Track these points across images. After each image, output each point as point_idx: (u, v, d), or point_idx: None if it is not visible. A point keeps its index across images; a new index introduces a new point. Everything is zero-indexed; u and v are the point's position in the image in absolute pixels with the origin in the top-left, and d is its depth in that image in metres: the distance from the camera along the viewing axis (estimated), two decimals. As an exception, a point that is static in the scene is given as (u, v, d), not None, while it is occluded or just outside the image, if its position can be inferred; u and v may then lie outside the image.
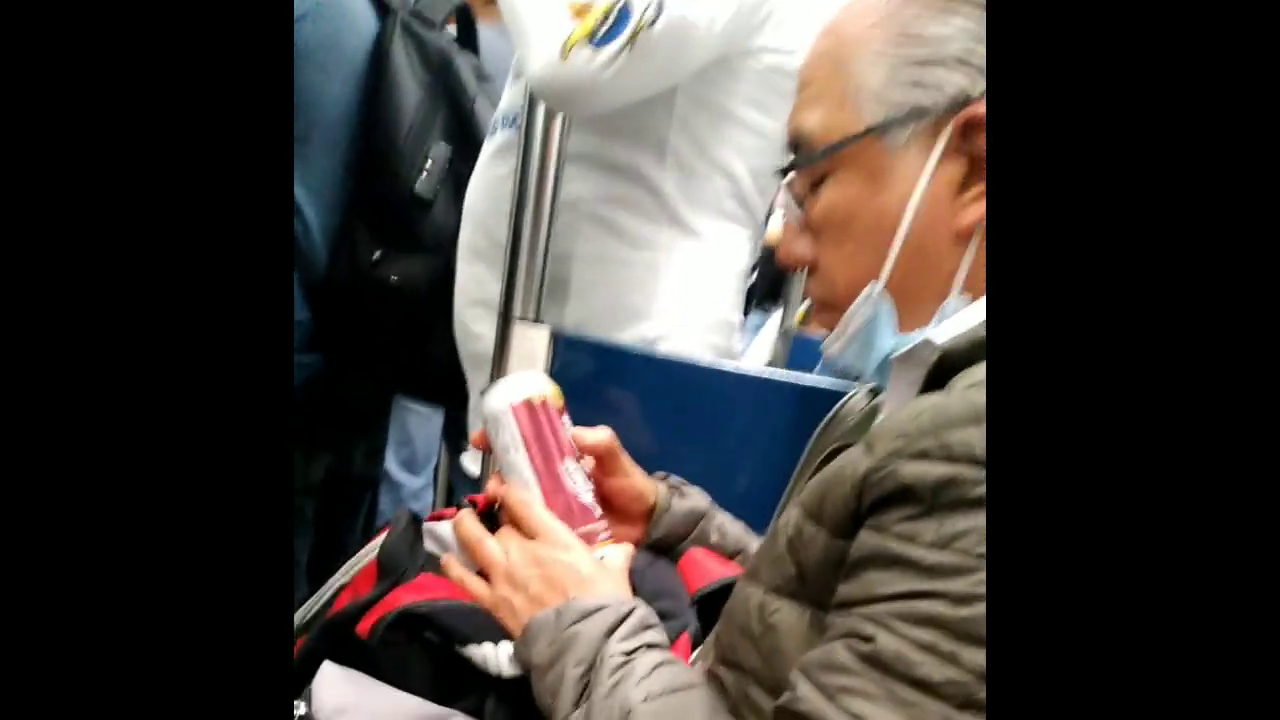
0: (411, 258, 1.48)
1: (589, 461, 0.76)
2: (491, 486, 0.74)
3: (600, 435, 0.77)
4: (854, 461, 0.53)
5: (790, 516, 0.58)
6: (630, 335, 1.09)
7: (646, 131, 1.05)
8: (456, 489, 2.32)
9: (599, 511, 0.74)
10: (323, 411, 1.59)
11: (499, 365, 1.06)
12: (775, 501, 0.73)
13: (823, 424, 0.67)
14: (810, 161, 0.63)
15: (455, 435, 2.25)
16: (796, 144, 0.65)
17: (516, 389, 0.74)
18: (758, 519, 0.83)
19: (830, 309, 0.65)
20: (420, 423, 2.19)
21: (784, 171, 0.67)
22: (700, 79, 1.03)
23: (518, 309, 1.04)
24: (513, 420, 0.73)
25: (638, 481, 0.80)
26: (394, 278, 1.47)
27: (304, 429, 1.58)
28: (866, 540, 0.51)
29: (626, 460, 0.79)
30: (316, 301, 1.50)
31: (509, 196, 1.06)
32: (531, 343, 1.04)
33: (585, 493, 0.74)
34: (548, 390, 0.75)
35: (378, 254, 1.47)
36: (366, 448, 1.80)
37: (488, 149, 1.22)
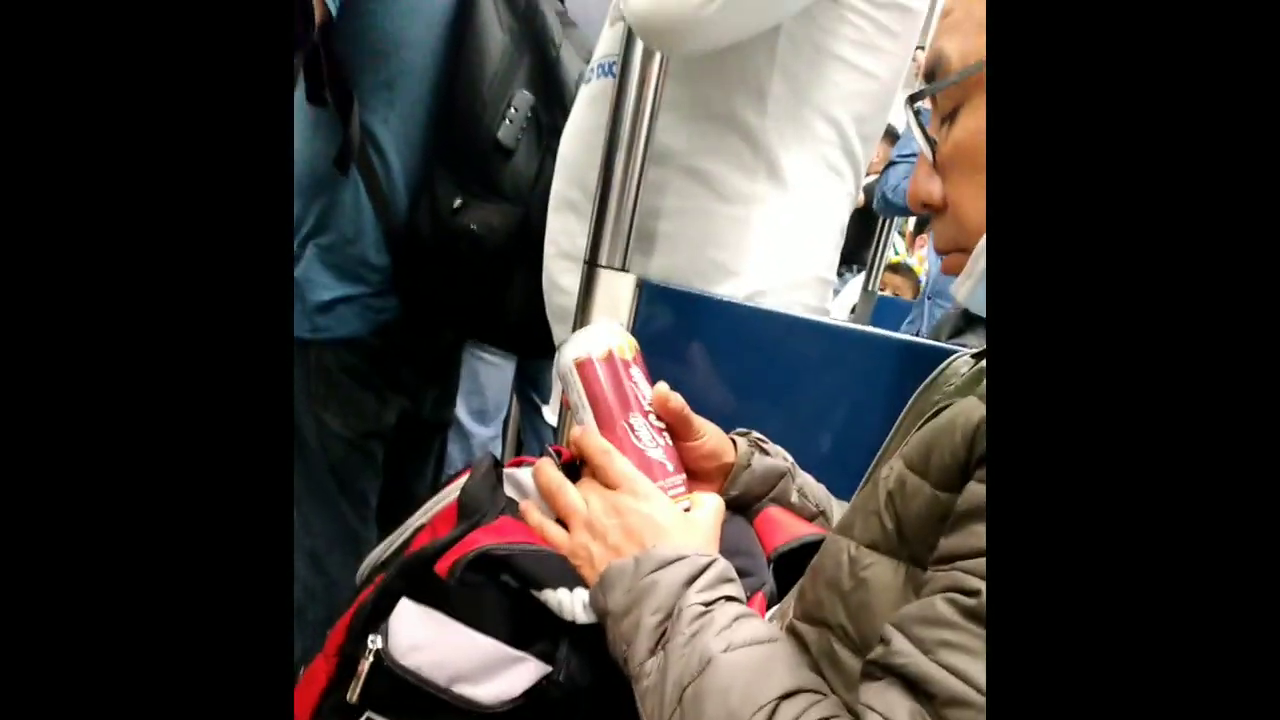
0: (491, 206, 1.48)
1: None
2: (572, 436, 0.73)
3: (678, 400, 0.75)
4: (967, 411, 0.51)
5: (891, 469, 0.57)
6: (720, 292, 1.07)
7: (746, 77, 1.02)
8: (526, 441, 2.34)
9: (672, 466, 0.73)
10: (397, 356, 1.60)
11: (583, 313, 1.05)
12: (862, 464, 0.71)
13: (923, 385, 0.65)
14: (943, 86, 0.61)
15: (527, 387, 2.27)
16: (932, 73, 0.63)
17: (582, 345, 0.73)
18: (841, 483, 0.80)
19: (960, 251, 0.63)
20: (492, 373, 2.21)
21: (913, 99, 0.65)
22: (803, 19, 1.00)
23: (604, 256, 1.03)
24: (578, 378, 0.73)
25: (711, 442, 0.78)
26: (473, 226, 1.47)
27: (379, 372, 1.59)
28: (974, 492, 0.49)
29: (698, 422, 0.77)
30: (396, 246, 1.51)
31: (602, 146, 1.04)
32: (616, 291, 1.03)
33: (655, 449, 0.73)
34: (617, 343, 0.74)
35: (458, 201, 1.47)
36: (438, 393, 1.80)
37: (583, 97, 1.20)
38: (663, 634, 0.59)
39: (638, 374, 0.74)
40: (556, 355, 0.74)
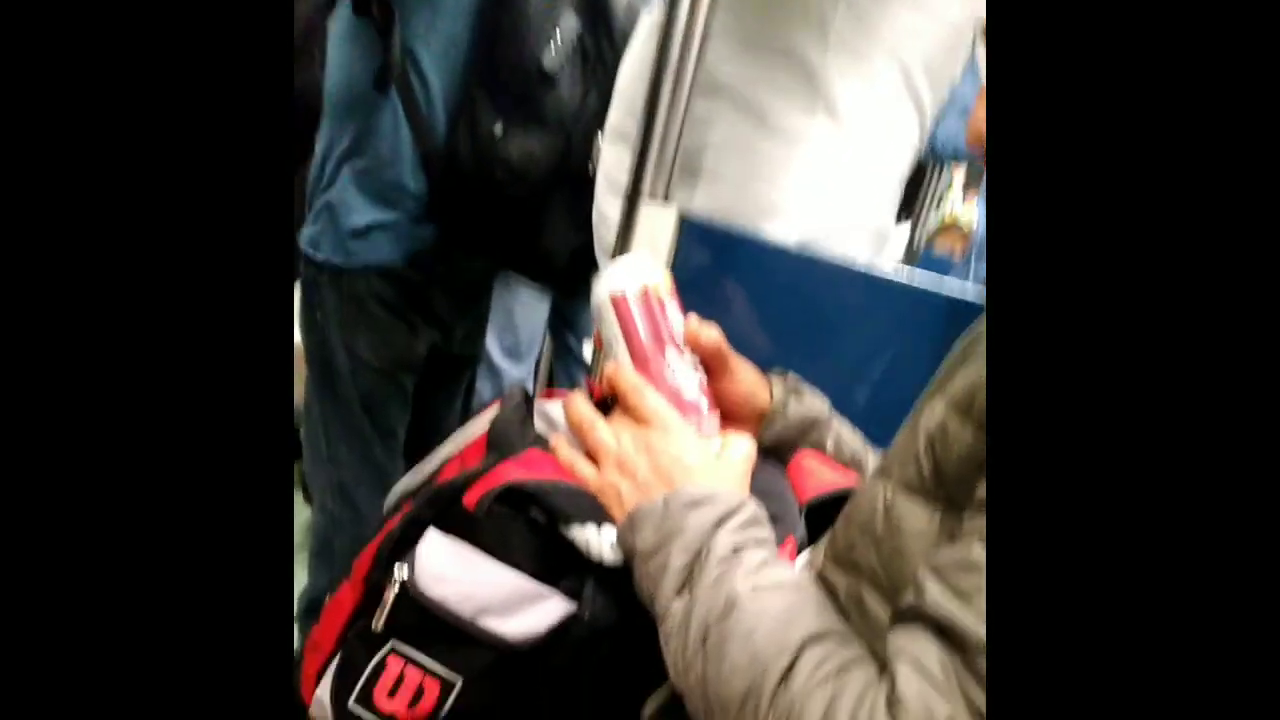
0: (532, 134, 1.44)
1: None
2: (604, 372, 0.71)
3: (708, 336, 0.72)
4: None
5: (934, 412, 0.55)
6: (765, 231, 1.03)
7: (808, 7, 0.97)
8: (558, 380, 2.33)
9: (706, 406, 0.71)
10: (431, 286, 1.58)
11: (622, 246, 1.02)
12: (900, 415, 0.68)
13: (965, 335, 0.62)
14: None
15: (562, 327, 2.25)
16: None
17: (617, 280, 0.71)
18: (879, 433, 0.78)
19: None
20: (525, 310, 2.19)
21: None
22: None
23: (646, 188, 0.99)
24: (612, 313, 0.71)
25: (747, 383, 0.76)
26: (513, 154, 1.43)
27: (412, 302, 1.57)
28: None
29: (735, 361, 0.75)
30: (433, 171, 1.47)
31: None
32: (657, 225, 1.00)
33: (690, 388, 0.71)
34: (652, 279, 0.72)
35: (499, 128, 1.43)
36: (469, 326, 1.79)
37: (643, 26, 1.16)
38: (689, 575, 0.58)
39: (673, 310, 0.72)
40: (592, 290, 0.72)
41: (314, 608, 1.70)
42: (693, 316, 0.73)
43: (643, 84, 1.08)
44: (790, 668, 0.50)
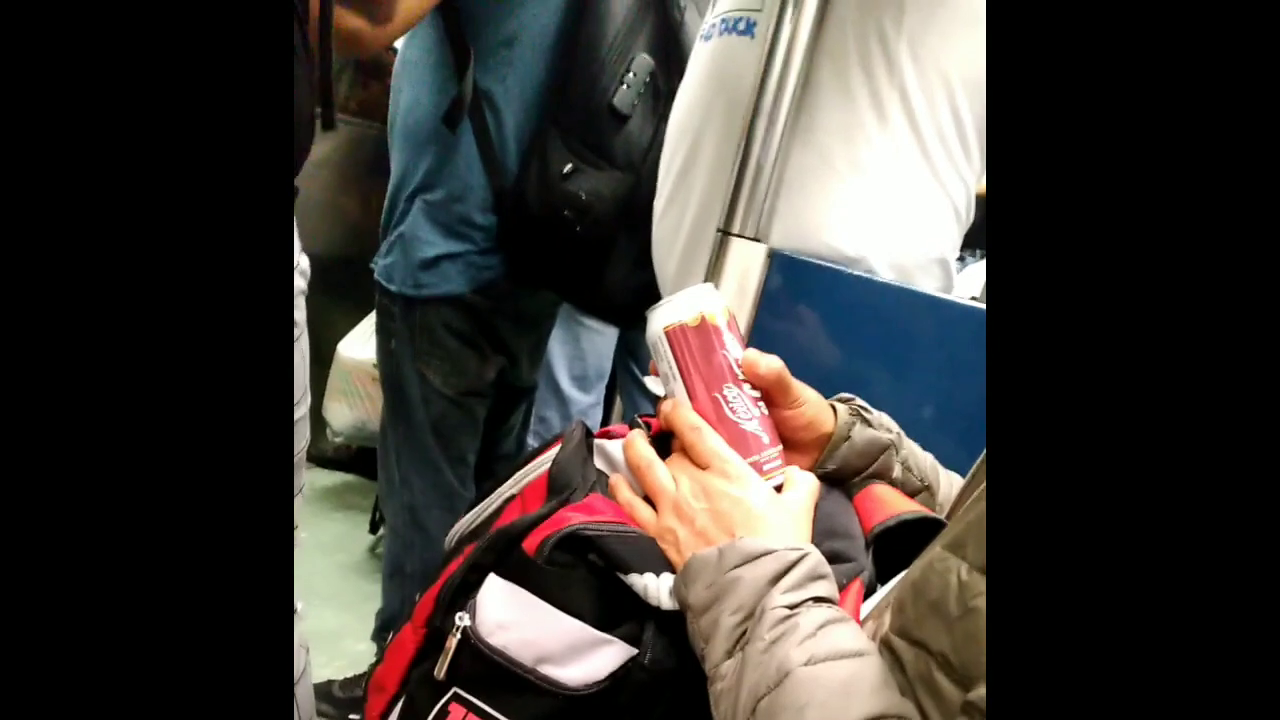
0: (602, 173, 1.46)
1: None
2: (662, 410, 0.70)
3: (769, 365, 0.70)
4: None
5: None
6: (835, 265, 1.03)
7: (868, 45, 0.97)
8: (627, 410, 2.33)
9: (768, 439, 0.69)
10: (499, 314, 1.61)
11: (714, 280, 1.04)
12: (976, 451, 0.66)
13: None
14: None
15: (627, 358, 2.26)
16: None
17: (672, 312, 0.70)
18: (953, 460, 0.76)
19: None
20: (595, 339, 2.20)
21: None
22: None
23: (737, 224, 1.01)
24: (667, 347, 0.69)
25: (810, 409, 0.73)
26: (582, 193, 1.45)
27: (481, 330, 1.61)
28: None
29: (798, 388, 0.72)
30: (503, 207, 1.50)
31: (717, 107, 1.00)
32: (748, 260, 1.02)
33: (750, 420, 0.69)
34: (709, 308, 0.70)
35: (569, 166, 1.45)
36: (532, 353, 1.82)
37: (701, 53, 1.16)
38: (742, 635, 0.56)
39: (731, 340, 0.70)
40: (647, 322, 0.71)
41: (387, 627, 1.74)
42: (750, 350, 0.71)
43: (702, 111, 1.09)
44: None
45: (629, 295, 1.53)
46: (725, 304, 0.72)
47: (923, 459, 0.78)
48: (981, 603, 0.49)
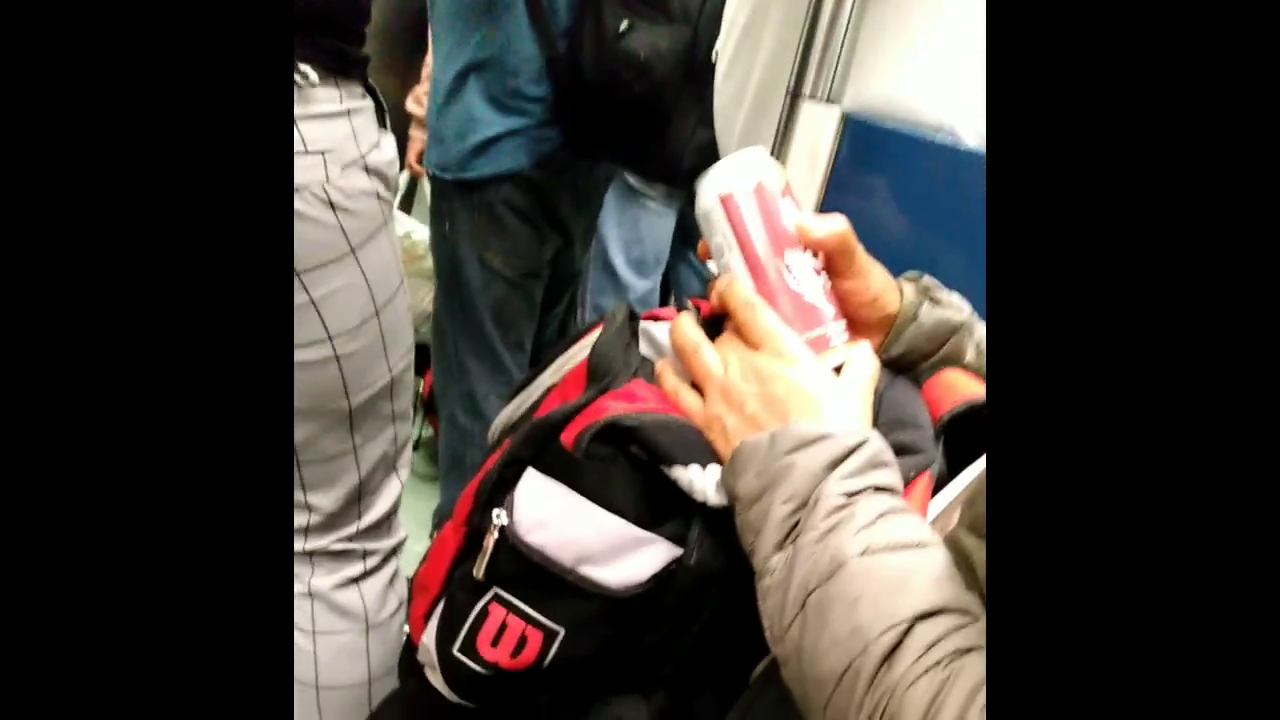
0: (658, 27, 1.41)
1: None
2: (715, 287, 0.64)
3: (832, 226, 0.63)
4: None
5: None
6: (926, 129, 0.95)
7: None
8: (685, 291, 2.27)
9: (832, 312, 0.63)
10: (557, 188, 1.58)
11: (782, 147, 0.99)
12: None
13: None
14: None
15: (685, 242, 2.19)
16: None
17: (727, 179, 0.63)
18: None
19: None
20: (654, 221, 2.13)
21: None
22: None
23: (808, 87, 0.95)
24: (722, 214, 0.63)
25: (876, 284, 0.66)
26: (640, 50, 1.40)
27: (540, 207, 1.58)
28: None
29: (863, 258, 0.65)
30: (557, 75, 1.46)
31: None
32: (820, 125, 0.96)
33: (812, 290, 0.62)
34: (766, 174, 0.63)
35: (625, 24, 1.40)
36: (586, 235, 1.80)
37: None
38: (794, 525, 0.52)
39: (790, 207, 0.64)
40: (697, 193, 0.65)
41: (446, 520, 1.75)
42: (810, 213, 0.64)
43: None
44: (897, 646, 0.44)
45: (694, 156, 1.48)
46: (781, 167, 0.66)
47: None
48: None
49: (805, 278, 0.62)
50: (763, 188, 0.63)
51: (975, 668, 0.42)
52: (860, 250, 0.65)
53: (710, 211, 0.64)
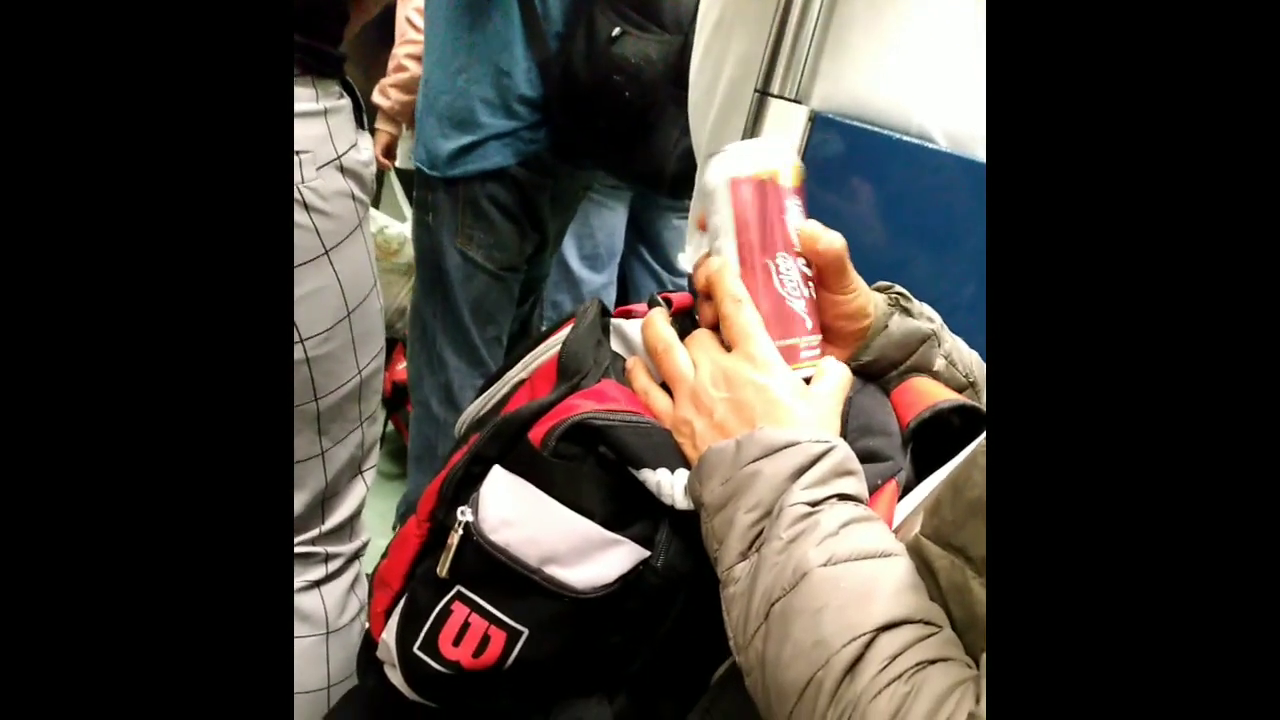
0: (650, 36, 1.44)
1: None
2: (704, 267, 0.63)
3: (831, 242, 0.62)
4: None
5: None
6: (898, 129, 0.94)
7: None
8: (638, 289, 2.26)
9: (811, 324, 0.62)
10: (539, 189, 1.62)
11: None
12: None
13: None
14: None
15: (639, 238, 2.21)
16: None
17: (742, 160, 0.62)
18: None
19: None
20: (603, 214, 2.11)
21: None
22: None
23: (776, 85, 0.94)
24: (729, 198, 0.61)
25: (859, 298, 0.65)
26: (630, 57, 1.43)
27: (523, 204, 1.61)
28: None
29: (854, 276, 0.65)
30: (549, 78, 1.49)
31: None
32: (788, 123, 0.95)
33: (797, 298, 0.61)
34: (781, 166, 0.62)
35: (616, 31, 1.43)
36: (557, 239, 1.84)
37: None
38: (758, 535, 0.51)
39: (795, 207, 0.63)
40: (705, 167, 0.63)
41: (411, 512, 1.74)
42: (813, 222, 0.63)
43: None
44: (860, 658, 0.44)
45: (678, 163, 1.51)
46: (800, 165, 0.64)
47: (967, 353, 0.71)
48: None
49: (792, 283, 0.61)
50: (775, 182, 0.62)
51: (938, 680, 0.42)
52: (850, 266, 0.64)
53: (717, 190, 0.62)
